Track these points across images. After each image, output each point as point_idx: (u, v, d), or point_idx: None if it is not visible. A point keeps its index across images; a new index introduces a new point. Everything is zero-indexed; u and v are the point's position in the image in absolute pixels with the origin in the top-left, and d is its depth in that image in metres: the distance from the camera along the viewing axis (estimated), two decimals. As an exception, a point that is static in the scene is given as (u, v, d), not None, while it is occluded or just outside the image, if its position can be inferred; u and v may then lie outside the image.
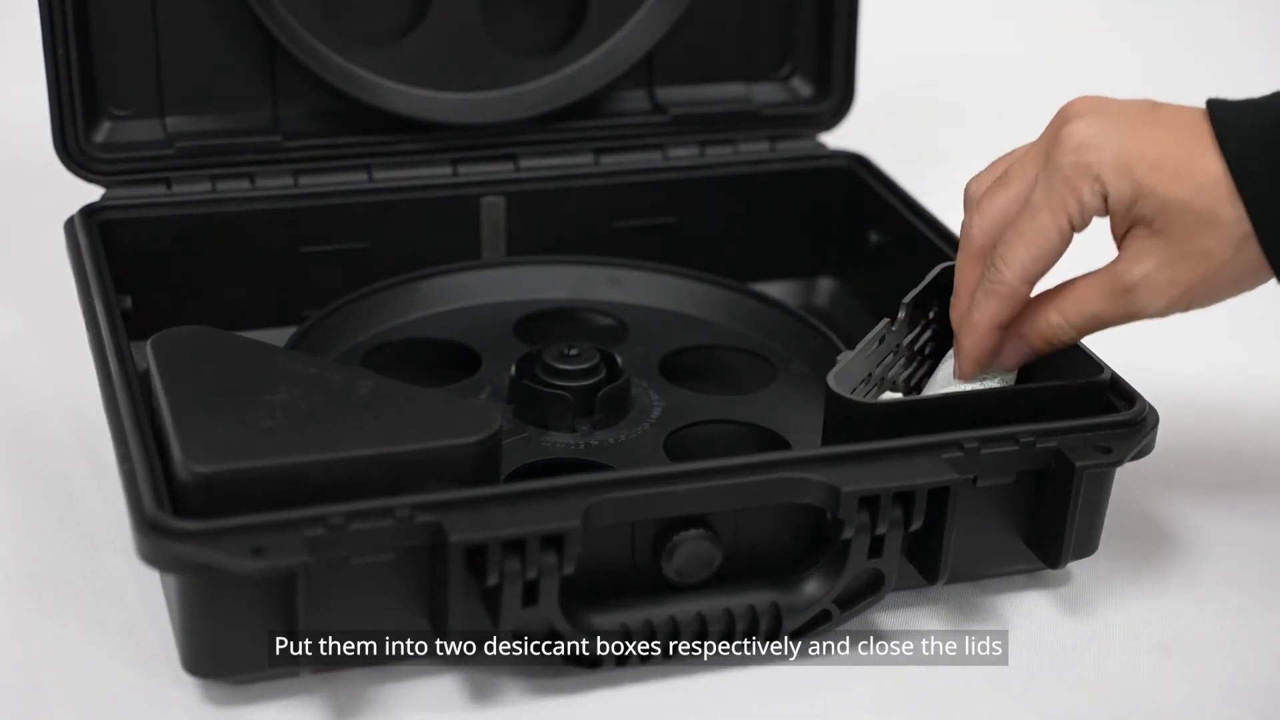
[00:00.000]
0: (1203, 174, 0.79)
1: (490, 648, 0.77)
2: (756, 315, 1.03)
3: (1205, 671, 0.83)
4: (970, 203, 0.86)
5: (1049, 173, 0.81)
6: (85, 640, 0.81)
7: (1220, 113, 0.80)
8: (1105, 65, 1.50)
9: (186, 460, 0.74)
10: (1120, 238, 0.82)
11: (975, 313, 0.84)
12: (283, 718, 0.77)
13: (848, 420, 0.82)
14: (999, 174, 0.85)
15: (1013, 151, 0.86)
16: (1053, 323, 0.83)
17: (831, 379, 0.82)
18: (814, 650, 0.82)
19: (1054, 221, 0.81)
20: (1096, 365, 0.85)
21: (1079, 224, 0.81)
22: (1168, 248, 0.79)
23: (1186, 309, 0.81)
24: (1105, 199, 0.80)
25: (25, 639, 0.82)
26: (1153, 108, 0.82)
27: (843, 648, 0.83)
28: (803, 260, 1.11)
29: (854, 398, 0.82)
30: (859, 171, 1.08)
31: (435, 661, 0.79)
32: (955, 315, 0.86)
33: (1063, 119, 0.82)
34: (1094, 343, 0.85)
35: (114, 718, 0.77)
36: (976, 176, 0.87)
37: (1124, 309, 0.81)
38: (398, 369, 0.96)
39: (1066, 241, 0.81)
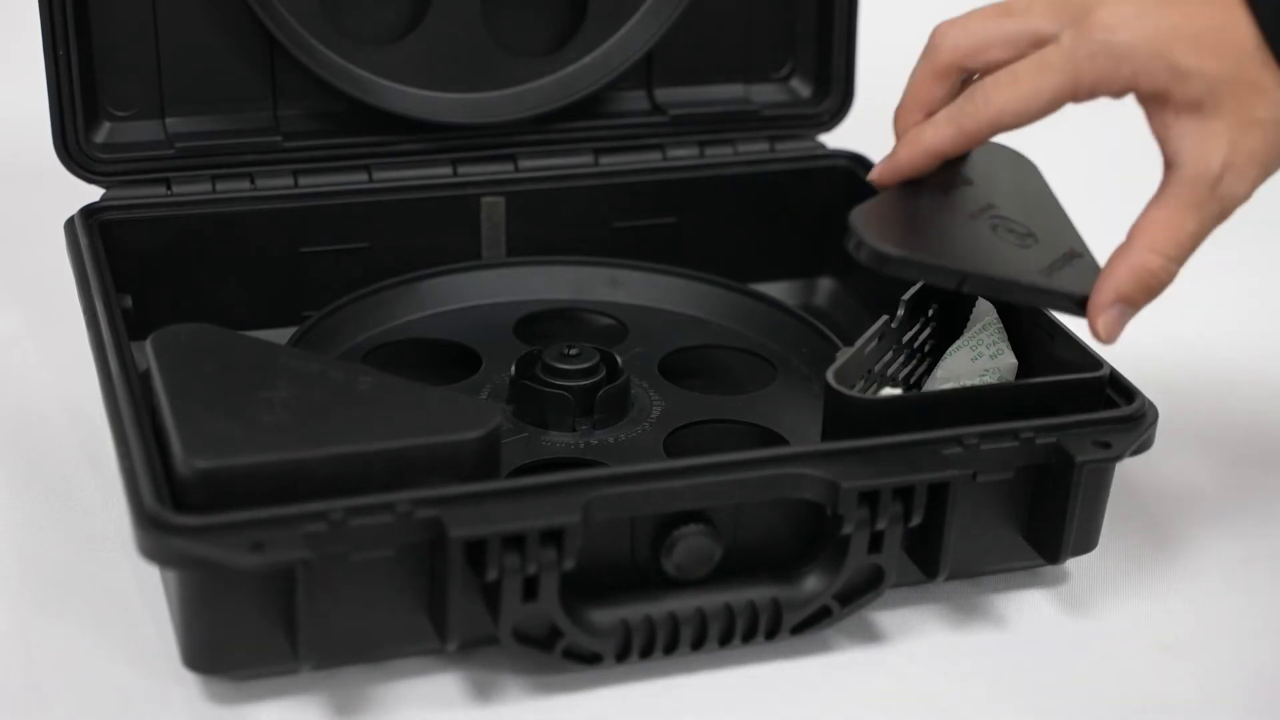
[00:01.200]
0: (1240, 43, 0.77)
1: (490, 643, 0.77)
2: (756, 315, 1.03)
3: (1205, 670, 0.83)
4: (939, 31, 0.84)
5: (1076, 42, 0.78)
6: (85, 639, 0.82)
7: None
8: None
9: (186, 455, 0.74)
10: (1163, 131, 0.79)
11: (929, 131, 0.82)
12: (283, 716, 0.77)
13: (847, 416, 0.82)
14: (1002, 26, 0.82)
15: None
16: (1153, 267, 0.80)
17: (831, 375, 0.82)
18: (814, 649, 0.82)
19: (1059, 87, 0.78)
20: (1096, 361, 0.85)
21: (1082, 99, 0.78)
22: (1228, 126, 0.77)
23: (1263, 181, 0.79)
24: (1133, 85, 0.77)
25: (25, 638, 0.82)
26: None
27: (842, 647, 0.83)
28: (803, 260, 1.11)
29: (853, 394, 0.82)
30: (859, 171, 1.08)
31: (435, 657, 0.79)
32: (900, 121, 0.84)
33: None
34: (1092, 339, 0.85)
35: (114, 716, 0.77)
36: (953, 24, 0.84)
37: (1217, 208, 0.79)
38: (397, 369, 0.96)
39: (1054, 110, 0.79)
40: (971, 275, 0.81)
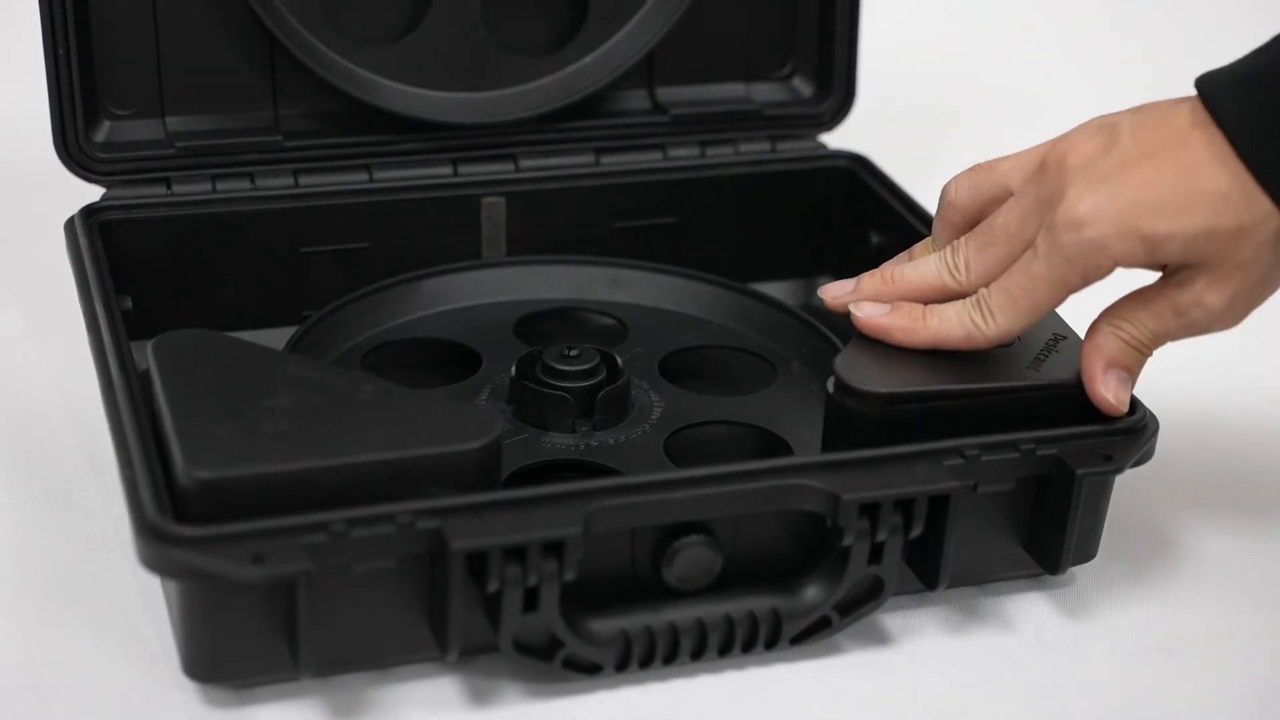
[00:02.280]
0: (1211, 193, 0.77)
1: (490, 652, 0.77)
2: (756, 315, 1.02)
3: (1206, 673, 0.83)
4: (948, 206, 0.86)
5: (1050, 250, 0.79)
6: (86, 641, 0.82)
7: (1220, 106, 0.78)
8: (1106, 66, 1.49)
9: (188, 466, 0.74)
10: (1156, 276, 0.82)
11: (936, 322, 0.84)
12: (282, 719, 0.77)
13: (848, 425, 0.82)
14: (982, 185, 0.84)
15: (999, 163, 0.85)
16: (1131, 331, 0.82)
17: (832, 384, 0.82)
18: (817, 651, 0.82)
19: (1053, 296, 0.81)
20: (1097, 371, 0.85)
21: (1080, 289, 0.81)
22: (1209, 273, 0.79)
23: (1250, 310, 0.81)
24: (1119, 264, 0.79)
25: (26, 640, 0.82)
26: (1136, 130, 0.80)
27: (846, 649, 0.83)
28: (803, 260, 1.11)
29: (855, 404, 0.82)
30: (859, 172, 1.08)
31: (436, 667, 0.80)
32: (876, 285, 0.87)
33: (1055, 176, 0.80)
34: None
35: (114, 717, 0.77)
36: (957, 179, 0.86)
37: (1185, 330, 0.81)
38: (398, 369, 0.96)
39: (1059, 305, 0.82)
40: (966, 391, 0.83)
